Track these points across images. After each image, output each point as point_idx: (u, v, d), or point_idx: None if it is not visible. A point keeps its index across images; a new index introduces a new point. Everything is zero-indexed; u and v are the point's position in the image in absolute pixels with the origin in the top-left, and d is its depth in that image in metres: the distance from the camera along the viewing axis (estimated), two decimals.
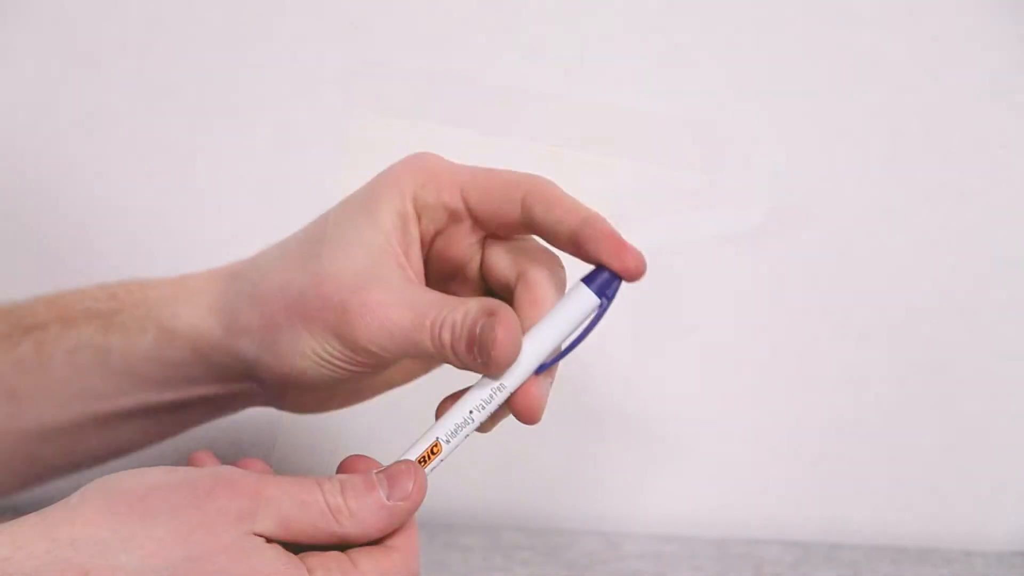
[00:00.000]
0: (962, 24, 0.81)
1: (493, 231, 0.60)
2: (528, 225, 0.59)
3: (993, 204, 0.81)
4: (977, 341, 0.82)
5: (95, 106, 0.87)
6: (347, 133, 0.85)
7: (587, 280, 0.58)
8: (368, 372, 0.60)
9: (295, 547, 0.53)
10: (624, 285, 0.57)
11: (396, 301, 0.57)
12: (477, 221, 0.60)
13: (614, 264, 0.57)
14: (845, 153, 0.82)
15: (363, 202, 0.60)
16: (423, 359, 0.63)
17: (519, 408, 0.57)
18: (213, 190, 0.87)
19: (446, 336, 0.56)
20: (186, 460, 0.60)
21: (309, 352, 0.59)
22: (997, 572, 0.77)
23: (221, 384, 0.65)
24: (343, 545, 0.54)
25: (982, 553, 0.80)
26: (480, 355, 0.55)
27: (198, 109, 0.87)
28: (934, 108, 0.81)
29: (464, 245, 0.61)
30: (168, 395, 0.66)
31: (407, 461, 0.56)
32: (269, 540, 0.52)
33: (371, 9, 0.85)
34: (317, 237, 0.60)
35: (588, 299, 0.58)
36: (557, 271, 0.60)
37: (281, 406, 0.64)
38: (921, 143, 0.82)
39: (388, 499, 0.54)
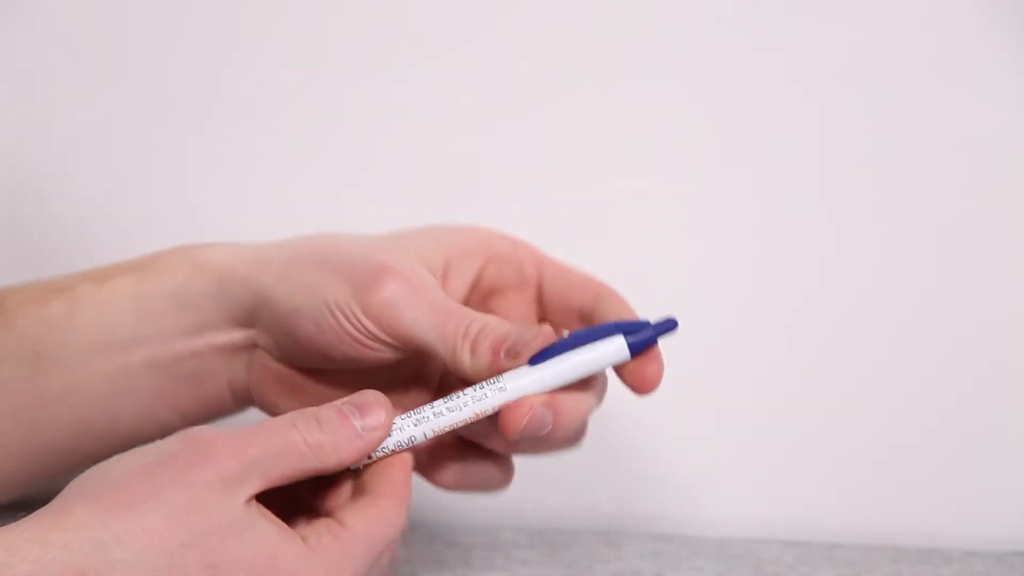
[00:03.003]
0: (962, 24, 0.81)
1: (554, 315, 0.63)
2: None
3: (994, 204, 0.81)
4: (977, 341, 0.82)
5: (94, 106, 0.87)
6: (347, 132, 0.86)
7: (627, 332, 0.58)
8: (351, 362, 0.60)
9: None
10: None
11: (432, 285, 0.59)
12: (545, 304, 0.63)
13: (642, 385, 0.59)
14: (844, 153, 0.82)
15: (423, 259, 0.62)
16: (413, 356, 0.62)
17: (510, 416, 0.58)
18: (213, 191, 0.87)
19: (474, 328, 0.57)
20: None
21: (322, 300, 0.59)
22: (997, 572, 0.77)
23: (228, 329, 0.64)
24: (319, 505, 0.56)
25: (982, 553, 0.80)
26: (507, 354, 0.56)
27: (198, 109, 0.87)
28: (934, 108, 0.81)
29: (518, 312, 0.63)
30: (179, 344, 0.65)
31: (374, 392, 0.56)
32: (257, 496, 0.52)
33: (375, 8, 0.85)
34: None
35: (621, 352, 0.58)
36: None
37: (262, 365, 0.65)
38: (921, 143, 0.82)
39: (362, 429, 0.55)
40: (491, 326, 0.57)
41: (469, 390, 0.57)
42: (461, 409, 0.57)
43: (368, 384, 0.58)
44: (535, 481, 0.86)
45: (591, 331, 0.58)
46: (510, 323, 0.58)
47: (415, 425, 0.57)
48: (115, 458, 0.53)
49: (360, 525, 0.53)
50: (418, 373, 0.63)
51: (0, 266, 0.88)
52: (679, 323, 0.59)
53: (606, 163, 0.84)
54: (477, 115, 0.85)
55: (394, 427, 0.56)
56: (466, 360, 0.58)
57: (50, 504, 0.51)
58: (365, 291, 0.58)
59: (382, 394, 0.56)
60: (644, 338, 0.58)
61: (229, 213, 0.87)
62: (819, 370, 0.83)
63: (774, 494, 0.84)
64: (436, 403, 0.57)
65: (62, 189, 0.88)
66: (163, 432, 0.67)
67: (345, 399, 0.56)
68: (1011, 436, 0.82)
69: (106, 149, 0.88)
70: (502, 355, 0.57)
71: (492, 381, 0.57)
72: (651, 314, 0.84)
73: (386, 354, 0.60)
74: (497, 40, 0.84)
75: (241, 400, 0.66)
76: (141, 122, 0.87)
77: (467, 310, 0.58)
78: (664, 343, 0.85)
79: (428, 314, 0.58)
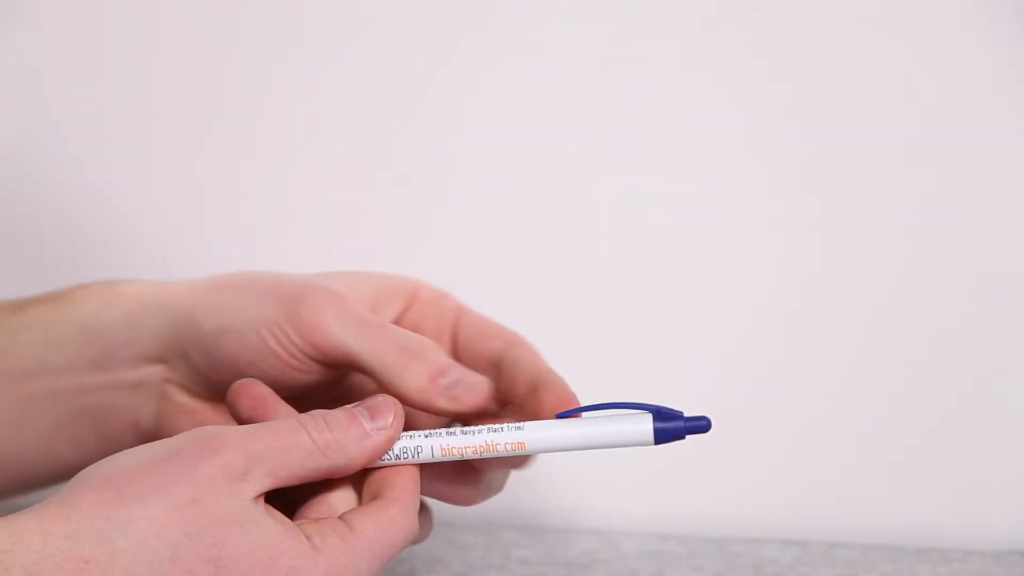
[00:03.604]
0: (962, 24, 0.81)
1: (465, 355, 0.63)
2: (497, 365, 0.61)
3: (993, 204, 0.81)
4: (977, 341, 0.82)
5: (95, 106, 0.87)
6: (347, 134, 0.86)
7: (657, 417, 0.56)
8: (273, 385, 0.60)
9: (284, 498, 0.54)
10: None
11: (361, 304, 0.60)
12: (459, 350, 0.63)
13: None
14: (843, 153, 0.82)
15: (353, 289, 0.62)
16: (335, 380, 0.62)
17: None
18: (213, 190, 0.87)
19: (412, 344, 0.58)
20: None
21: (249, 320, 0.59)
22: (996, 572, 0.77)
23: (136, 365, 0.64)
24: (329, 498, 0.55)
25: (980, 552, 0.80)
26: (446, 393, 0.57)
27: (198, 108, 0.87)
28: (934, 108, 0.81)
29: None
30: (84, 376, 0.65)
31: (385, 395, 0.56)
32: (264, 494, 0.52)
33: (376, 8, 0.85)
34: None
35: (645, 435, 0.57)
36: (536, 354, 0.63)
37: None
38: (920, 143, 0.82)
39: (371, 429, 0.55)
40: (431, 349, 0.58)
41: (487, 424, 0.57)
42: (474, 434, 0.56)
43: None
44: (535, 481, 0.86)
45: (617, 404, 0.57)
46: (446, 354, 0.59)
47: (426, 437, 0.56)
48: (122, 453, 0.53)
49: (370, 529, 0.53)
50: (337, 400, 0.63)
51: (1, 266, 0.89)
52: (712, 425, 0.57)
53: (605, 163, 0.84)
54: (476, 115, 0.85)
55: (403, 434, 0.56)
56: (401, 373, 0.58)
57: (57, 494, 0.52)
58: (294, 307, 0.59)
59: (393, 398, 0.56)
60: (673, 428, 0.57)
61: (231, 212, 0.87)
62: (818, 370, 0.83)
63: (774, 494, 0.84)
64: (452, 427, 0.57)
65: (63, 189, 0.88)
66: (63, 469, 0.66)
67: (356, 403, 0.56)
68: (1011, 436, 0.82)
69: (108, 149, 0.88)
70: (439, 390, 0.57)
71: (510, 425, 0.57)
72: (649, 318, 0.85)
73: (311, 375, 0.60)
74: (496, 40, 0.84)
75: (147, 439, 0.64)
76: (144, 122, 0.87)
77: (397, 327, 0.59)
78: (666, 345, 0.85)
79: (358, 328, 0.58)
